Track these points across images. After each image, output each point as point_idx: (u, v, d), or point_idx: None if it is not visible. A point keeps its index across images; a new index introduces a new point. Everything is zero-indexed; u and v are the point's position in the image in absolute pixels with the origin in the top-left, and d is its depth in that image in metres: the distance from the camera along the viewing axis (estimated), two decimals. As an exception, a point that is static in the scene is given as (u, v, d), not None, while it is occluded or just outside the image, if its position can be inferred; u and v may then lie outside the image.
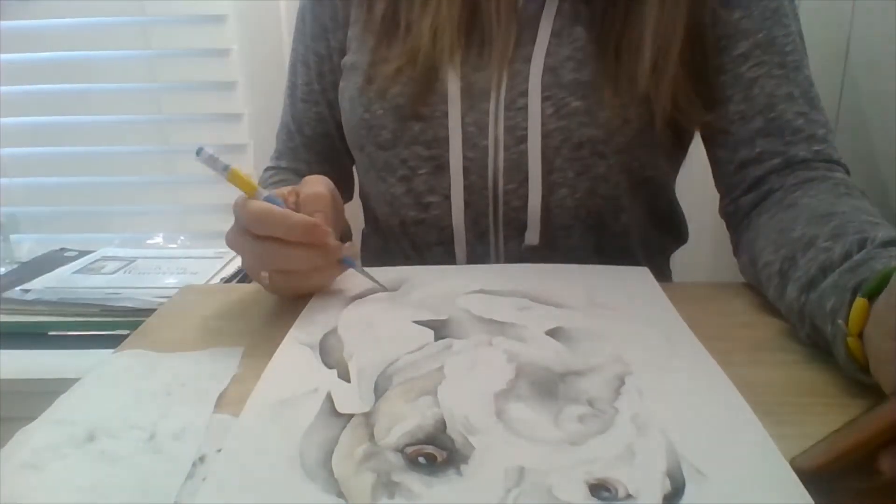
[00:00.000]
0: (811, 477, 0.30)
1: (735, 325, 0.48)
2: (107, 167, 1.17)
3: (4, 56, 1.09)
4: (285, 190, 0.53)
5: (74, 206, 1.21)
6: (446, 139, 0.62)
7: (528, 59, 0.61)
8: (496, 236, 0.65)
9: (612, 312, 0.49)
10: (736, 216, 0.62)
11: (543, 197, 0.62)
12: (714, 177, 0.65)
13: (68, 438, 0.35)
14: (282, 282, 0.50)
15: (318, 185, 0.53)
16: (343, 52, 0.69)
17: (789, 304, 0.46)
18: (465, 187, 0.63)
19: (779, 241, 0.51)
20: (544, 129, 0.61)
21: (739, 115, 0.60)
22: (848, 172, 0.59)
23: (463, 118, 0.62)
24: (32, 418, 0.37)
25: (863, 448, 0.30)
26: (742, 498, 0.30)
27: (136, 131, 1.15)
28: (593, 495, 0.30)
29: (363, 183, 0.74)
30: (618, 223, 0.65)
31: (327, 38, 0.70)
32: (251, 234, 0.48)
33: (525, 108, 0.61)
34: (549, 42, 0.61)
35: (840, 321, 0.39)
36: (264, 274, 0.50)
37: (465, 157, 0.62)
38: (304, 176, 0.69)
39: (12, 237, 1.18)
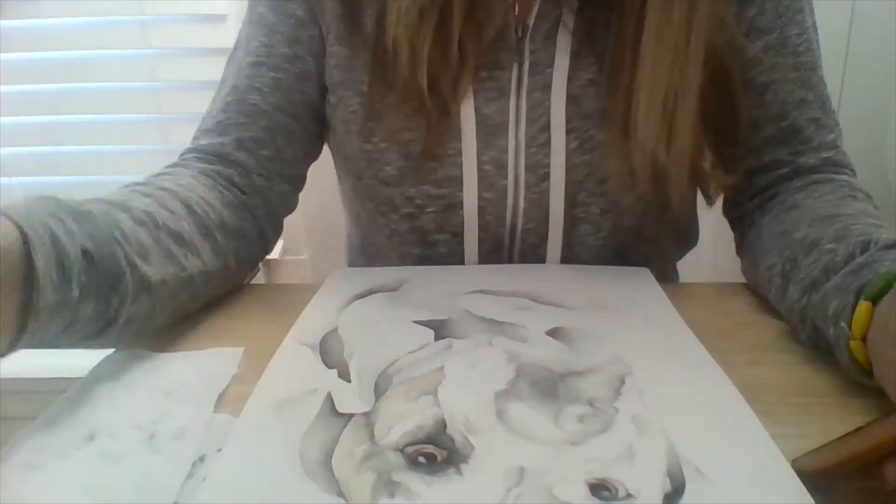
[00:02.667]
0: (812, 478, 0.30)
1: (735, 325, 0.48)
2: (107, 167, 1.17)
3: (4, 56, 1.09)
4: None
5: (74, 206, 1.21)
6: (459, 178, 0.57)
7: (548, 86, 0.55)
8: None
9: (612, 313, 0.48)
10: (741, 219, 0.62)
11: (564, 233, 0.58)
12: None
13: (68, 438, 0.35)
14: None
15: None
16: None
17: (790, 305, 0.46)
18: (480, 226, 0.58)
19: (781, 243, 0.51)
20: (568, 164, 0.56)
21: (751, 122, 0.57)
22: (854, 175, 0.58)
23: (479, 156, 0.56)
24: (32, 418, 0.37)
25: (867, 456, 0.30)
26: (742, 498, 0.30)
27: (136, 131, 1.15)
28: (593, 495, 0.30)
29: (355, 206, 0.66)
30: (638, 254, 0.61)
31: (314, 11, 0.58)
32: None
33: (548, 143, 0.55)
34: (570, 66, 0.55)
35: (843, 324, 0.39)
36: None
37: (480, 198, 0.57)
38: (229, 157, 0.57)
39: (12, 237, 1.18)
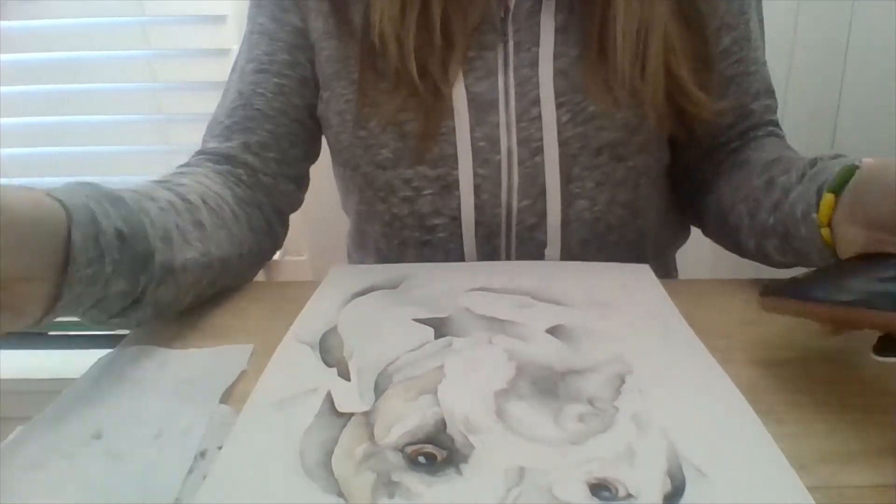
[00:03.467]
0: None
1: (736, 323, 0.48)
2: (107, 167, 1.17)
3: (4, 56, 1.09)
4: None
5: (74, 206, 1.21)
6: (454, 156, 0.58)
7: (535, 63, 0.57)
8: (508, 257, 0.62)
9: (612, 310, 0.48)
10: (697, 188, 0.66)
11: (562, 210, 0.59)
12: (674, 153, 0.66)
13: (75, 436, 0.35)
14: None
15: None
16: None
17: (761, 229, 0.52)
18: (476, 206, 0.59)
19: (741, 192, 0.56)
20: (561, 138, 0.57)
21: (715, 112, 0.59)
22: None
23: (472, 133, 0.57)
24: (32, 418, 0.37)
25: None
26: (742, 498, 0.29)
27: (136, 131, 1.15)
28: (593, 495, 0.30)
29: (352, 200, 0.68)
30: (633, 228, 0.63)
31: (302, 12, 0.61)
32: None
33: (539, 117, 0.57)
34: (556, 41, 0.57)
35: (813, 215, 0.45)
36: None
37: (475, 175, 0.58)
38: (237, 159, 0.60)
39: (12, 237, 1.18)
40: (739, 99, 0.61)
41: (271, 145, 0.62)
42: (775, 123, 0.64)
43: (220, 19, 1.07)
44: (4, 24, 1.07)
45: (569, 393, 0.38)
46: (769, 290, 0.41)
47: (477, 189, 0.59)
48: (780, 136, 0.64)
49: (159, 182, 0.53)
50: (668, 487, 0.30)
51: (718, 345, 0.43)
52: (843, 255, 0.43)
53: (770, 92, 0.64)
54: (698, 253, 0.72)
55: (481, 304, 0.49)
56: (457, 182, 0.59)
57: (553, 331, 0.45)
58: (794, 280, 0.41)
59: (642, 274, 0.56)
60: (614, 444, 0.33)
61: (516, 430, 0.34)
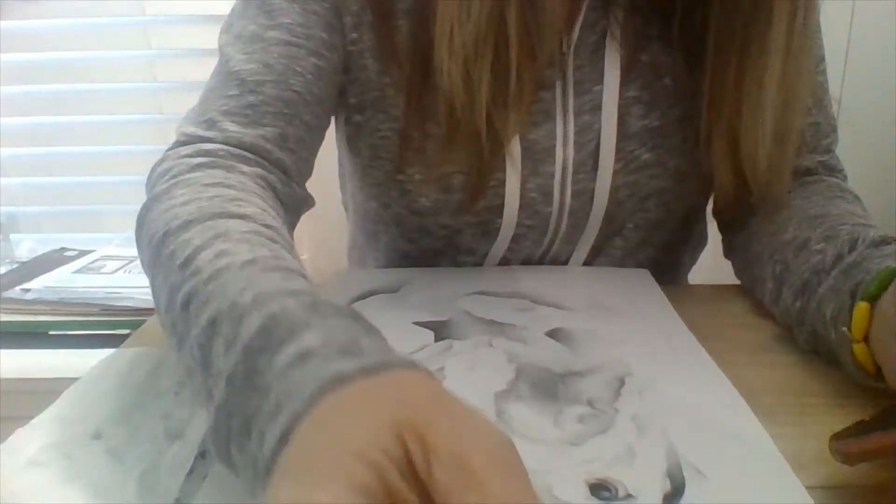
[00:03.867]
0: (851, 460, 0.30)
1: (735, 326, 0.48)
2: (107, 167, 1.18)
3: (4, 56, 1.09)
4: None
5: (74, 206, 1.21)
6: (500, 207, 0.52)
7: (598, 107, 0.51)
8: None
9: (612, 314, 0.48)
10: (731, 220, 0.60)
11: (595, 247, 0.57)
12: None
13: (75, 436, 0.35)
14: None
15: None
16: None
17: (786, 308, 0.46)
18: (510, 249, 0.56)
19: (771, 246, 0.50)
20: (612, 185, 0.53)
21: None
22: (845, 179, 0.57)
23: (523, 184, 0.52)
24: (32, 418, 0.37)
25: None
26: (742, 498, 0.30)
27: (136, 131, 1.15)
28: (593, 495, 0.30)
29: (373, 227, 0.62)
30: (657, 263, 0.60)
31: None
32: None
33: (595, 167, 0.52)
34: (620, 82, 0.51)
35: (844, 328, 0.38)
36: None
37: (520, 225, 0.54)
38: (271, 156, 0.46)
39: (12, 237, 1.18)
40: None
41: (306, 142, 0.49)
42: (826, 150, 0.55)
43: (220, 19, 1.07)
44: (4, 24, 1.07)
45: (568, 394, 0.38)
46: (842, 434, 0.31)
47: (519, 237, 0.55)
48: (835, 178, 0.55)
49: (245, 225, 0.37)
50: (668, 487, 0.30)
51: (717, 347, 0.43)
52: (889, 375, 0.35)
53: (820, 108, 0.55)
54: (699, 258, 0.72)
55: (481, 307, 0.49)
56: (498, 230, 0.54)
57: (553, 333, 0.45)
58: (863, 422, 0.32)
59: (642, 278, 0.56)
60: (614, 445, 0.33)
61: (516, 431, 0.34)
